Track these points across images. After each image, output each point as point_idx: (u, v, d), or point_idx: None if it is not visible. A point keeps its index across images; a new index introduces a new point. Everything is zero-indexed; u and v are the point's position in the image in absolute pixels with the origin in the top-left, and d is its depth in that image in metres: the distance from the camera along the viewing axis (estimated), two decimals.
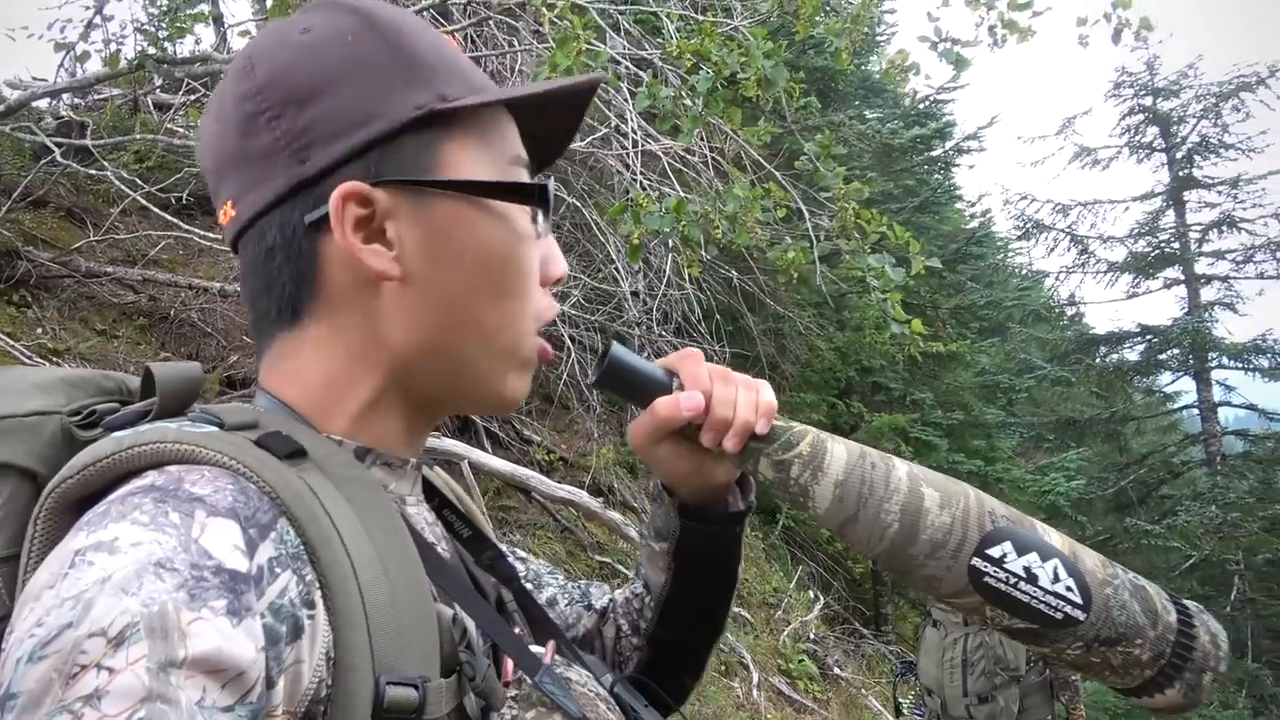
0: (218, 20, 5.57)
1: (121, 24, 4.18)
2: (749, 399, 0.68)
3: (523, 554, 0.81)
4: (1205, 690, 0.63)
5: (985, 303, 11.12)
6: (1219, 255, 12.36)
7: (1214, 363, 11.96)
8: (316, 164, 0.54)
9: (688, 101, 3.19)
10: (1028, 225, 13.37)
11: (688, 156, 4.89)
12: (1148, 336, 12.44)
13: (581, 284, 5.55)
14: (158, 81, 4.26)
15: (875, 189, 9.13)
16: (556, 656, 0.59)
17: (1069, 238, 13.21)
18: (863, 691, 7.12)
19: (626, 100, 4.23)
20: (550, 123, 0.65)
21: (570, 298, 5.46)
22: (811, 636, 7.14)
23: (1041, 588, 0.63)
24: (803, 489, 0.66)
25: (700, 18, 3.63)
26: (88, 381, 0.57)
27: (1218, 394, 11.91)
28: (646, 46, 4.47)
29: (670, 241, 4.68)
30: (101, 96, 4.78)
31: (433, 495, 0.68)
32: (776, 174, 4.12)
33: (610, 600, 0.83)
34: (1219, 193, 12.28)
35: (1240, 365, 11.93)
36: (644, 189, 3.89)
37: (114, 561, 0.40)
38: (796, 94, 3.64)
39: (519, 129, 0.62)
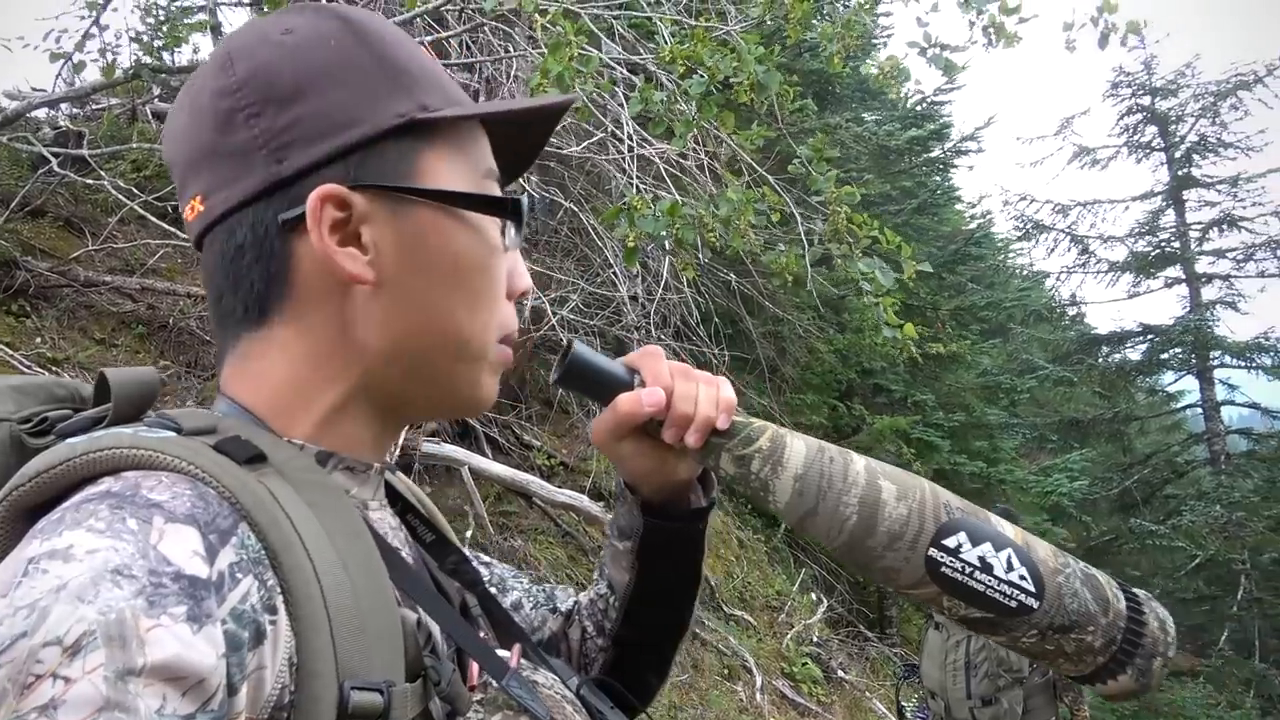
0: (215, 29, 5.59)
1: (117, 33, 4.17)
2: (710, 394, 0.69)
3: (486, 558, 0.81)
4: (1156, 675, 0.65)
5: (986, 304, 11.10)
6: (1220, 254, 12.34)
7: (1216, 361, 11.94)
8: (294, 164, 0.54)
9: (681, 106, 3.20)
10: (1028, 226, 13.37)
11: (683, 161, 4.90)
12: (1150, 336, 12.42)
13: (580, 289, 5.55)
14: (155, 91, 4.28)
15: (873, 191, 9.13)
16: (523, 660, 0.59)
17: (1069, 238, 13.21)
18: (867, 694, 7.10)
19: (622, 105, 4.24)
20: (520, 139, 0.66)
21: (569, 302, 5.46)
22: (815, 639, 7.13)
23: (996, 577, 0.64)
24: (763, 483, 0.67)
25: (693, 23, 3.64)
26: (39, 388, 0.57)
27: (1220, 393, 11.89)
28: (641, 51, 4.47)
29: (667, 245, 4.69)
30: (99, 106, 4.80)
31: (396, 500, 0.68)
32: (769, 178, 4.12)
33: (575, 603, 0.84)
34: (1219, 191, 12.28)
35: (1243, 364, 11.91)
36: (640, 193, 3.90)
37: (69, 569, 0.40)
38: (791, 97, 3.64)
39: (491, 143, 0.63)
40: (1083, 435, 12.54)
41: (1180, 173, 12.44)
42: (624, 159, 4.39)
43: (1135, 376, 13.10)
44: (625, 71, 4.45)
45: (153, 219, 4.04)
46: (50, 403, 0.56)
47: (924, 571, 0.64)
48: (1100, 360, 12.98)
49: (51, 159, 3.85)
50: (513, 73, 4.67)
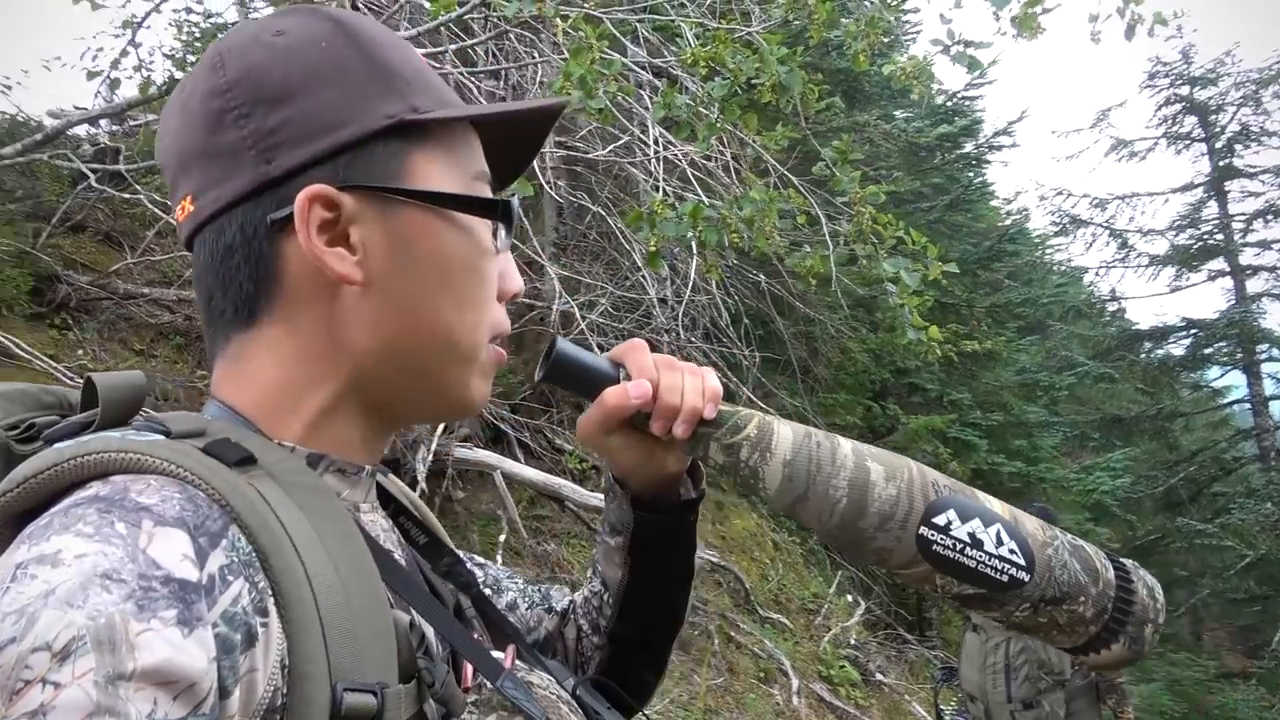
0: None
1: (150, 50, 4.27)
2: (695, 385, 0.69)
3: (480, 559, 0.81)
4: (1148, 642, 0.66)
5: (1022, 300, 10.95)
6: (1265, 245, 12.08)
7: (1264, 355, 11.65)
8: (283, 165, 0.54)
9: (703, 109, 3.19)
10: (1065, 221, 13.16)
11: (708, 164, 4.89)
12: (1193, 330, 12.17)
13: (609, 292, 5.56)
14: None
15: (903, 188, 9.04)
16: (518, 661, 0.59)
17: (1108, 232, 12.98)
18: (906, 697, 7.01)
19: (647, 109, 4.25)
20: (516, 142, 0.66)
21: (598, 306, 5.48)
22: (852, 642, 7.06)
23: (987, 552, 0.64)
24: (752, 470, 0.67)
25: (716, 24, 3.63)
26: (26, 395, 0.56)
27: (1269, 387, 11.61)
28: (665, 54, 4.48)
29: (693, 247, 4.69)
30: (136, 123, 4.91)
31: (388, 502, 0.68)
32: (794, 179, 4.10)
33: (571, 602, 0.83)
34: (1263, 181, 12.02)
35: None
36: (666, 195, 3.90)
37: (58, 574, 0.39)
38: (816, 96, 3.61)
39: (484, 145, 0.63)
40: (1125, 433, 12.30)
41: (1222, 163, 12.19)
42: (650, 162, 4.39)
43: (1179, 372, 12.83)
44: (650, 75, 4.46)
45: None
46: (38, 410, 0.56)
47: (916, 550, 0.65)
48: (1142, 356, 12.74)
49: (90, 175, 3.93)
50: (538, 78, 4.69)
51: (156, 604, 0.40)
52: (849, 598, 7.91)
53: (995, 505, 0.67)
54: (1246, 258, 12.13)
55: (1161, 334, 12.60)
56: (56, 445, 0.49)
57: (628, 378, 0.69)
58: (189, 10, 4.95)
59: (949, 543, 0.64)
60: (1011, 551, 0.64)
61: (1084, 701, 3.98)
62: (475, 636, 0.63)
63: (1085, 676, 3.95)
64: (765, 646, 5.97)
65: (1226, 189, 12.27)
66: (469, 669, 0.56)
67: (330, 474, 0.58)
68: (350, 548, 0.50)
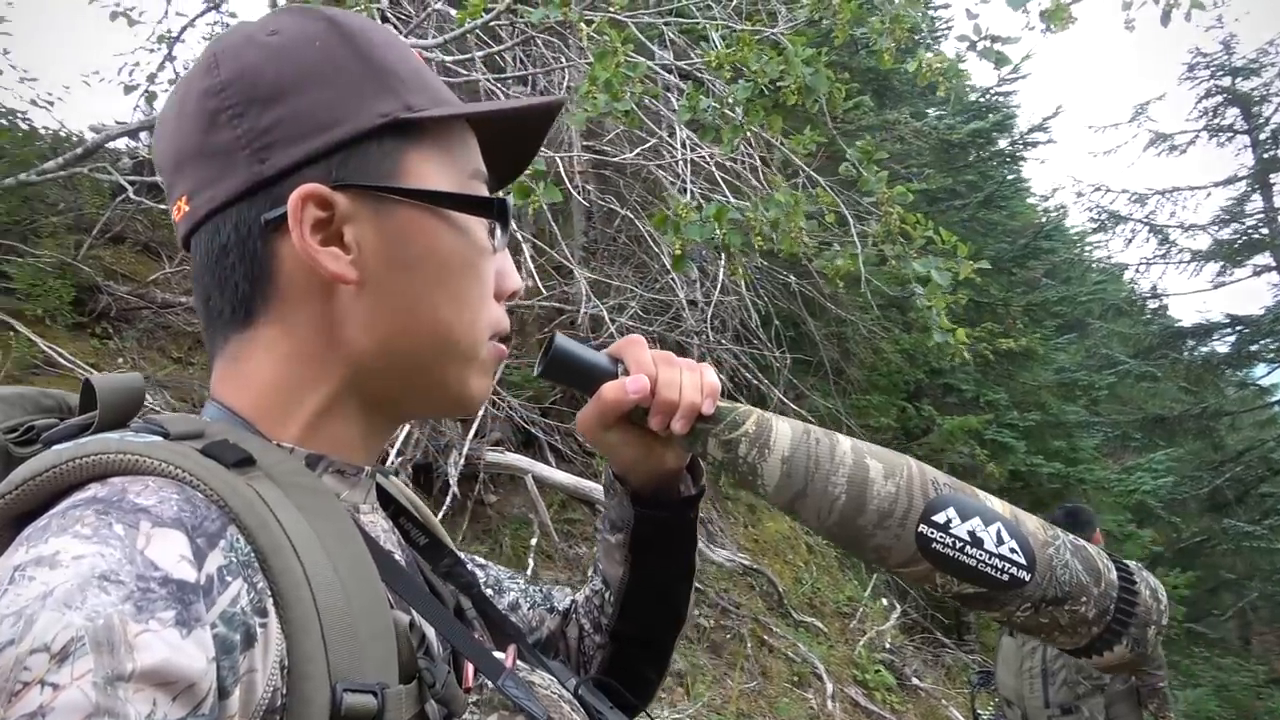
0: None
1: (185, 64, 4.36)
2: (693, 380, 0.69)
3: (482, 560, 0.81)
4: (1151, 644, 0.65)
5: (1059, 298, 10.77)
6: None
7: None
8: (277, 164, 0.54)
9: (729, 112, 3.18)
10: (1103, 217, 12.93)
11: (736, 166, 4.88)
12: (1238, 327, 11.87)
13: (638, 295, 5.57)
14: None
15: (934, 186, 8.94)
16: (519, 661, 0.59)
17: (1148, 228, 12.74)
18: (943, 702, 6.92)
19: (674, 111, 4.25)
20: (513, 141, 0.65)
21: (628, 309, 5.48)
22: (888, 646, 6.98)
23: (987, 551, 0.64)
24: (751, 467, 0.67)
25: (742, 26, 3.62)
26: (25, 398, 0.57)
27: None
28: (691, 56, 4.48)
29: (720, 248, 4.68)
30: None
31: (388, 503, 0.68)
32: (820, 180, 4.07)
33: (572, 601, 0.83)
34: None
35: None
36: (693, 198, 3.89)
37: (55, 576, 0.39)
38: (844, 95, 3.59)
39: (481, 144, 0.63)
40: (1168, 432, 12.03)
41: (1266, 155, 11.91)
42: (677, 165, 4.39)
43: (1224, 370, 12.52)
44: (676, 78, 4.45)
45: None
46: (37, 413, 0.56)
47: (915, 548, 0.64)
48: (1185, 354, 12.46)
49: (129, 187, 4.02)
50: (565, 83, 4.71)
51: (155, 605, 0.40)
52: (884, 601, 7.83)
53: (996, 504, 0.66)
54: None
55: (1205, 331, 12.31)
56: (55, 447, 0.49)
57: (626, 373, 0.69)
58: (223, 25, 5.05)
59: (949, 541, 0.64)
60: (1012, 550, 0.64)
61: (1124, 706, 3.90)
62: (476, 636, 0.63)
63: (1125, 682, 3.87)
64: (799, 650, 5.92)
65: (1271, 182, 11.99)
66: (470, 669, 0.56)
67: (329, 475, 0.58)
68: (349, 548, 0.50)
